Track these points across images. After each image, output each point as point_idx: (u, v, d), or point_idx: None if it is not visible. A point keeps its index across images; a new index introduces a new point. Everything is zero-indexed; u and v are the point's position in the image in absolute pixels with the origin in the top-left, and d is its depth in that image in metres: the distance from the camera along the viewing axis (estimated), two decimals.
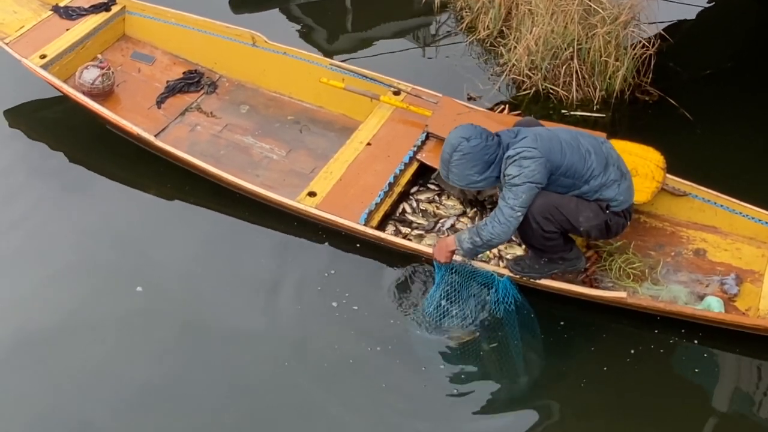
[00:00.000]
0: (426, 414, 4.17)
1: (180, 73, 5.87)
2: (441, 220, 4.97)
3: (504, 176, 4.12)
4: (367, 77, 5.50)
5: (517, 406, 4.24)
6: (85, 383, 4.28)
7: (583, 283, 4.53)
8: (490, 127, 4.28)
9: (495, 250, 4.73)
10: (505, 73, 6.08)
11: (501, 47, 6.27)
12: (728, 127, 5.73)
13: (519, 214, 4.11)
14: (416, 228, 4.92)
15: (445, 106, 5.25)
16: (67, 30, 5.74)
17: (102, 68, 5.56)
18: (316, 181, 4.96)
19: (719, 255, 4.73)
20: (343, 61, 5.89)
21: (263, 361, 4.37)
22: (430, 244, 4.68)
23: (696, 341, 4.42)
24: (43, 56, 5.51)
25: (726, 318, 4.32)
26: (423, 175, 5.19)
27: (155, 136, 5.28)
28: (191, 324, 4.53)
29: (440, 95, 5.35)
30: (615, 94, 5.90)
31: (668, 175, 4.82)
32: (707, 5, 6.92)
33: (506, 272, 4.44)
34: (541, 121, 4.69)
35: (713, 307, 4.39)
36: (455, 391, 4.25)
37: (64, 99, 5.61)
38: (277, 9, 7.01)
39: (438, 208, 5.04)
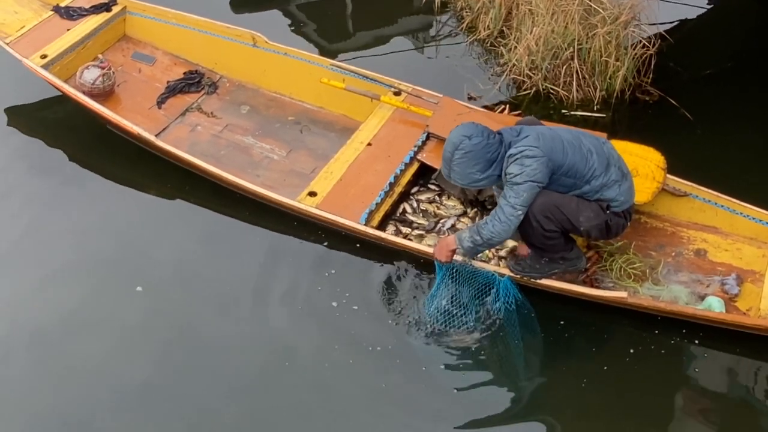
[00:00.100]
0: (426, 414, 4.16)
1: (180, 74, 5.87)
2: (441, 221, 4.96)
3: (505, 174, 4.12)
4: (367, 77, 5.50)
5: (518, 406, 4.24)
6: (84, 383, 4.27)
7: (583, 283, 4.53)
8: (491, 127, 4.27)
9: (494, 250, 4.73)
10: (505, 73, 6.08)
11: (501, 47, 6.27)
12: (728, 127, 5.73)
13: (520, 212, 4.12)
14: (417, 228, 4.92)
15: (445, 107, 5.25)
16: (68, 30, 5.74)
17: (103, 68, 5.57)
18: (317, 181, 4.96)
19: (720, 255, 4.73)
20: (343, 61, 5.88)
21: (263, 361, 4.37)
22: (430, 244, 4.68)
23: (697, 341, 4.42)
24: (43, 56, 5.51)
25: (727, 318, 4.31)
26: (423, 175, 5.18)
27: (156, 136, 5.28)
28: (191, 324, 4.54)
29: (440, 95, 5.34)
30: (615, 94, 5.90)
31: (669, 176, 4.82)
32: (707, 5, 6.92)
33: (507, 272, 4.45)
34: (542, 121, 4.69)
35: (714, 307, 4.39)
36: (455, 391, 4.25)
37: (65, 99, 5.61)
38: (278, 9, 7.01)
39: (438, 208, 5.04)
